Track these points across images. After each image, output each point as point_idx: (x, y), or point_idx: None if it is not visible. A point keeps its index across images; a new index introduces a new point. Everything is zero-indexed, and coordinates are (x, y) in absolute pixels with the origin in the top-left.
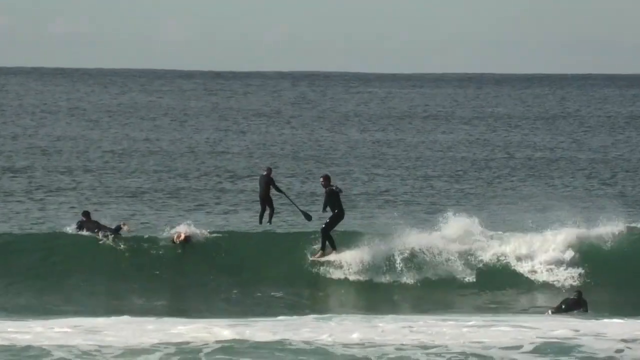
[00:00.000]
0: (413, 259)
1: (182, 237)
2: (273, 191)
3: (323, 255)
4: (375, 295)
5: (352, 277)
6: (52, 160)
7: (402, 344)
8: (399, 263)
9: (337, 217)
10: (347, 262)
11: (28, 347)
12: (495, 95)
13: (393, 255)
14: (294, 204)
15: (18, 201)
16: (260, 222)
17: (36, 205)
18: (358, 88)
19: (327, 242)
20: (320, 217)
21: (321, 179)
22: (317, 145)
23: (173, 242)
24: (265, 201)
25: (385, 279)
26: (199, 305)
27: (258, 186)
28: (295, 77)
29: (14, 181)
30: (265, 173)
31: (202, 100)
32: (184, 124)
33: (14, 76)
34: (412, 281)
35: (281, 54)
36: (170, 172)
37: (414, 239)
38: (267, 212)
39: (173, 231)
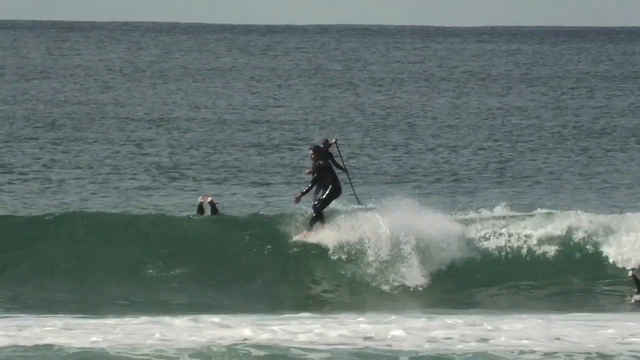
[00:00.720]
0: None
1: (209, 199)
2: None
3: (310, 234)
4: (441, 294)
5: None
6: (59, 130)
7: None
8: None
9: (333, 193)
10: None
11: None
12: (575, 52)
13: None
14: (351, 186)
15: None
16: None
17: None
18: (414, 44)
19: (317, 221)
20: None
21: (310, 152)
22: (371, 112)
23: (199, 209)
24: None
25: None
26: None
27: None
28: (338, 32)
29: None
30: (322, 146)
31: (231, 59)
32: (208, 86)
33: (13, 31)
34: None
35: (321, 4)
36: (194, 144)
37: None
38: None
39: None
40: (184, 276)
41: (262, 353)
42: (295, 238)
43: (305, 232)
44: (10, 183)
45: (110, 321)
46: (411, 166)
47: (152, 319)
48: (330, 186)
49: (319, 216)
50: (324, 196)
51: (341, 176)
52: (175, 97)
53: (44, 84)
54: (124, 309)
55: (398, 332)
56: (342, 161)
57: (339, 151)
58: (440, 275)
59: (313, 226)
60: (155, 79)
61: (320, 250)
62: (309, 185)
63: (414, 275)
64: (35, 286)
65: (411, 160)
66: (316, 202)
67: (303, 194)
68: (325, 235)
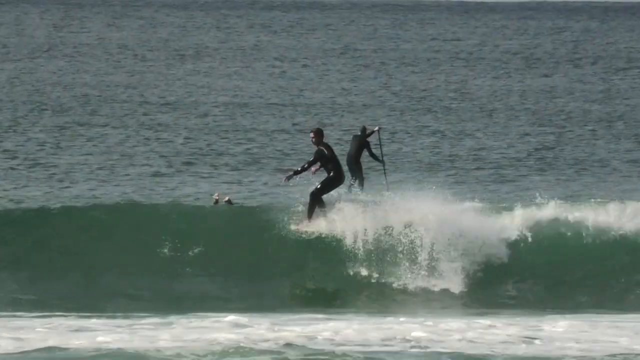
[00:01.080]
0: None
1: (226, 198)
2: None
3: (309, 223)
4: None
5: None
6: (65, 114)
7: None
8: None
9: (333, 180)
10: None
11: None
12: (627, 29)
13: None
14: (385, 176)
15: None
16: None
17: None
18: (451, 20)
19: (315, 209)
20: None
21: (311, 134)
22: (404, 95)
23: (215, 202)
24: (355, 169)
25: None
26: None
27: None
28: (369, 8)
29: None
30: (359, 133)
31: (252, 37)
32: (228, 67)
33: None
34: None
35: None
36: (212, 129)
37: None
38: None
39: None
40: (195, 269)
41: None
42: (296, 228)
43: (305, 222)
44: (13, 169)
45: (119, 321)
46: (447, 153)
47: (162, 319)
48: (331, 172)
49: (316, 203)
50: (320, 184)
51: (369, 165)
52: (192, 78)
53: (50, 63)
54: (130, 306)
55: (434, 333)
56: (382, 152)
57: (380, 140)
58: (477, 271)
59: (311, 214)
60: (170, 59)
61: (333, 242)
62: (304, 166)
63: (448, 272)
64: (41, 282)
65: (447, 146)
66: (314, 188)
67: (296, 173)
68: (344, 225)
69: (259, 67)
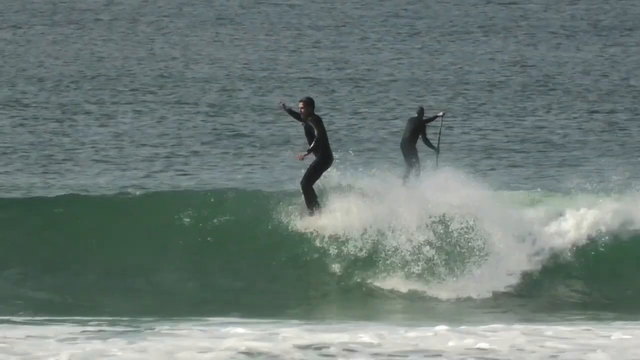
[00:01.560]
0: None
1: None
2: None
3: (313, 215)
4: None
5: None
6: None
7: None
8: None
9: (321, 164)
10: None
11: None
12: None
13: None
14: (437, 166)
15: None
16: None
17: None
18: None
19: (313, 199)
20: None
21: (300, 104)
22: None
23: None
24: (410, 155)
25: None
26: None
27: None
28: None
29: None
30: (416, 115)
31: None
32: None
33: None
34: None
35: None
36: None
37: None
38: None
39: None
40: (203, 272)
41: None
42: (300, 225)
43: (307, 217)
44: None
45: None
46: (505, 134)
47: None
48: (320, 153)
49: (309, 194)
50: (307, 172)
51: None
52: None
53: (51, 32)
54: (125, 310)
55: (477, 342)
56: (439, 139)
57: (441, 128)
58: (537, 273)
59: (312, 209)
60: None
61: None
62: (315, 143)
63: (478, 273)
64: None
65: (503, 126)
66: (302, 179)
67: (309, 152)
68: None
69: (286, 36)
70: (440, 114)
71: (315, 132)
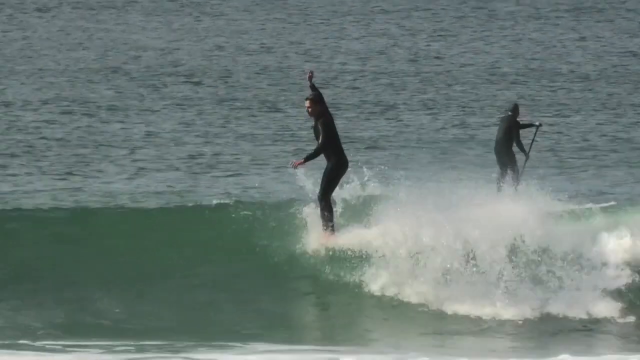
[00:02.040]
0: None
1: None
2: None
3: (332, 233)
4: None
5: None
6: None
7: None
8: None
9: (335, 171)
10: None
11: None
12: None
13: None
14: (522, 172)
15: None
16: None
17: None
18: None
19: (331, 213)
20: None
21: (307, 103)
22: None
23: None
24: (504, 158)
25: None
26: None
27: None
28: None
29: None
30: (510, 114)
31: None
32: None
33: None
34: None
35: None
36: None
37: None
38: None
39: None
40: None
41: None
42: (319, 244)
43: (324, 234)
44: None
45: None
46: (590, 134)
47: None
48: (332, 160)
49: (328, 205)
50: (323, 182)
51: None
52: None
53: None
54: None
55: None
56: (531, 145)
57: (534, 137)
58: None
59: (328, 223)
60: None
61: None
62: (315, 150)
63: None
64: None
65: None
66: (319, 190)
67: (306, 159)
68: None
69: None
70: (537, 123)
71: (320, 139)
